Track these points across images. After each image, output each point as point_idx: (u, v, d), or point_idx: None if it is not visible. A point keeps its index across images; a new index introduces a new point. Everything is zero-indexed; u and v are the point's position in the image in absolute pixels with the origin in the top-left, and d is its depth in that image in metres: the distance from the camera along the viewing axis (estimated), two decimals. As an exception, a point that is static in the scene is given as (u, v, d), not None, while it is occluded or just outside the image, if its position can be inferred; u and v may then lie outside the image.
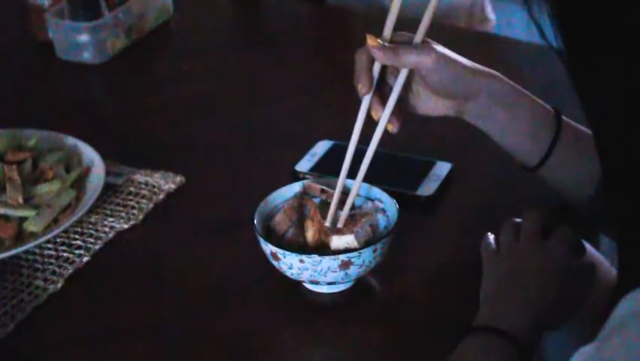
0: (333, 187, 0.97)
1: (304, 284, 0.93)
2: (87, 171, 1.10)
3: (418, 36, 0.92)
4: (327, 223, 0.92)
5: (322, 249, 0.90)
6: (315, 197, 0.96)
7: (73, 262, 0.99)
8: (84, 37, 1.42)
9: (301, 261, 0.87)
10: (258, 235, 0.90)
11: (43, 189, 1.06)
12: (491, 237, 0.91)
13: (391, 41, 0.94)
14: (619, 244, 0.63)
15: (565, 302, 0.84)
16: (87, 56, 1.43)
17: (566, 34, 0.59)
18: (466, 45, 1.46)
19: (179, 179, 1.12)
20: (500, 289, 0.85)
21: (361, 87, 0.92)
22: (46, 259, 1.00)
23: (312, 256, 0.87)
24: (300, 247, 0.91)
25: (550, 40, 0.60)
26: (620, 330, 0.57)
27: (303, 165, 1.12)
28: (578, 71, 0.61)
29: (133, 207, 1.07)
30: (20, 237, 1.01)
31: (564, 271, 0.85)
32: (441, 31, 1.54)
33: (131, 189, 1.10)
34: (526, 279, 0.84)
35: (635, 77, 0.57)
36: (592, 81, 0.60)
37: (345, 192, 0.97)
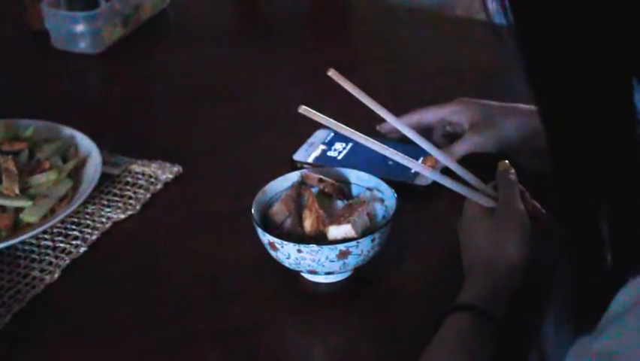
0: (331, 176, 0.97)
1: (302, 274, 0.92)
2: (84, 162, 1.10)
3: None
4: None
5: (320, 239, 0.90)
6: (313, 186, 0.96)
7: (70, 252, 0.99)
8: (80, 27, 1.41)
9: (299, 251, 0.87)
10: (255, 225, 0.90)
11: (40, 179, 1.05)
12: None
13: None
14: (610, 235, 0.63)
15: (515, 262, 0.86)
16: (83, 46, 1.42)
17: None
18: (466, 34, 1.46)
19: (176, 169, 1.11)
20: (465, 263, 0.89)
21: (387, 129, 1.07)
22: (42, 250, 0.99)
23: (310, 245, 0.87)
24: (298, 237, 0.90)
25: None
26: (616, 322, 0.57)
27: (301, 155, 1.11)
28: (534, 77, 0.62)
29: (130, 198, 1.07)
30: (17, 227, 1.00)
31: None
32: (440, 21, 1.55)
33: (128, 179, 1.10)
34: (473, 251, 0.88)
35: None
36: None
37: (340, 181, 0.97)
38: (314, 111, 0.90)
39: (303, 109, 0.89)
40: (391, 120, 0.98)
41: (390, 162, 0.98)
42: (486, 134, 1.05)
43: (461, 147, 1.05)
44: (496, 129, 1.05)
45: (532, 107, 1.03)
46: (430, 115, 1.10)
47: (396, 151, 0.92)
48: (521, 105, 1.05)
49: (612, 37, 0.58)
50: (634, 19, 0.57)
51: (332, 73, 0.92)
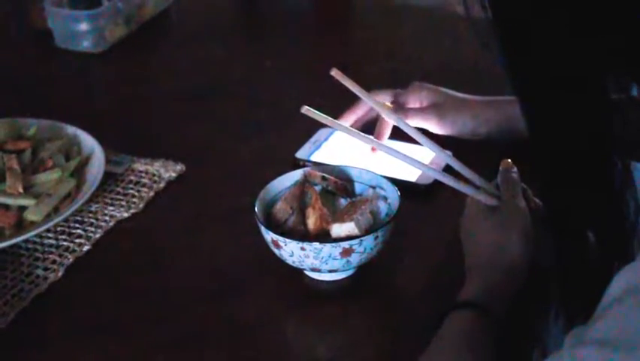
0: (334, 174, 0.97)
1: (305, 272, 0.93)
2: (87, 160, 1.10)
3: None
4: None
5: (324, 236, 0.90)
6: (316, 184, 0.96)
7: (74, 251, 0.99)
8: (83, 26, 1.42)
9: (302, 249, 0.87)
10: (259, 223, 0.90)
11: (43, 178, 1.05)
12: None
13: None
14: (594, 229, 0.65)
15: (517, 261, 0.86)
16: (86, 45, 1.43)
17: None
18: (466, 33, 1.46)
19: (179, 167, 1.11)
20: (467, 261, 0.89)
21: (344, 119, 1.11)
22: (46, 248, 1.00)
23: (313, 243, 0.87)
24: (302, 235, 0.90)
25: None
26: (609, 309, 0.58)
27: (304, 153, 1.11)
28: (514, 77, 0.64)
29: (133, 196, 1.07)
30: (20, 226, 1.01)
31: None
32: (440, 20, 1.55)
33: (132, 177, 1.10)
34: (478, 248, 0.89)
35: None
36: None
37: (343, 179, 0.97)
38: (316, 111, 0.90)
39: (306, 109, 0.89)
40: (393, 119, 0.98)
41: (392, 161, 0.98)
42: (428, 112, 1.11)
43: (411, 119, 1.10)
44: (442, 112, 1.10)
45: (488, 98, 1.08)
46: (388, 97, 1.14)
47: (398, 150, 0.92)
48: (476, 97, 1.11)
49: (590, 29, 0.59)
50: (612, 9, 0.58)
51: (335, 72, 0.93)
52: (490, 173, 0.94)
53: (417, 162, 0.93)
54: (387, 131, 1.10)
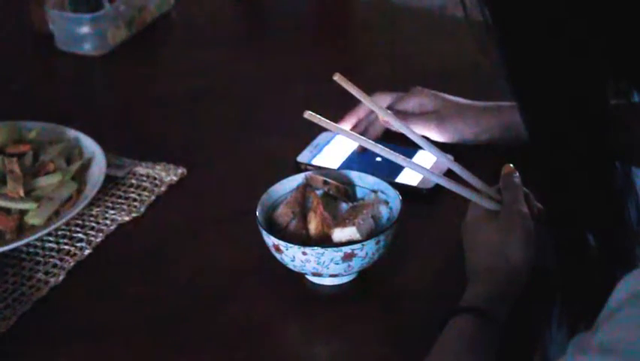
0: (336, 179, 0.97)
1: (307, 276, 0.92)
2: (88, 164, 1.10)
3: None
4: None
5: (325, 241, 0.90)
6: (318, 189, 0.96)
7: (75, 254, 0.99)
8: (85, 29, 1.41)
9: (304, 253, 0.87)
10: (260, 227, 0.90)
11: (44, 181, 1.05)
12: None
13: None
14: (595, 235, 0.65)
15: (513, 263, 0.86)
16: (88, 48, 1.42)
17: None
18: (467, 35, 1.46)
19: (180, 171, 1.11)
20: (468, 266, 0.89)
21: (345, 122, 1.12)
22: (47, 252, 1.00)
23: (315, 248, 0.87)
24: (303, 239, 0.90)
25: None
26: (612, 316, 0.58)
27: (305, 157, 1.11)
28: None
29: (134, 200, 1.07)
30: (21, 230, 1.00)
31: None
32: (441, 22, 1.55)
33: (133, 181, 1.10)
34: (476, 254, 0.89)
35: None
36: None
37: (345, 183, 0.97)
38: (319, 116, 0.90)
39: (308, 114, 0.89)
40: (395, 123, 0.98)
41: (394, 165, 0.98)
42: (428, 118, 1.10)
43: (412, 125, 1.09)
44: (443, 119, 1.09)
45: (489, 103, 1.08)
46: (389, 100, 1.14)
47: (400, 154, 0.92)
48: (478, 103, 1.10)
49: (590, 34, 0.59)
50: (612, 14, 0.58)
51: (338, 77, 0.93)
52: (491, 177, 0.94)
53: (418, 166, 0.92)
54: (379, 132, 1.12)
